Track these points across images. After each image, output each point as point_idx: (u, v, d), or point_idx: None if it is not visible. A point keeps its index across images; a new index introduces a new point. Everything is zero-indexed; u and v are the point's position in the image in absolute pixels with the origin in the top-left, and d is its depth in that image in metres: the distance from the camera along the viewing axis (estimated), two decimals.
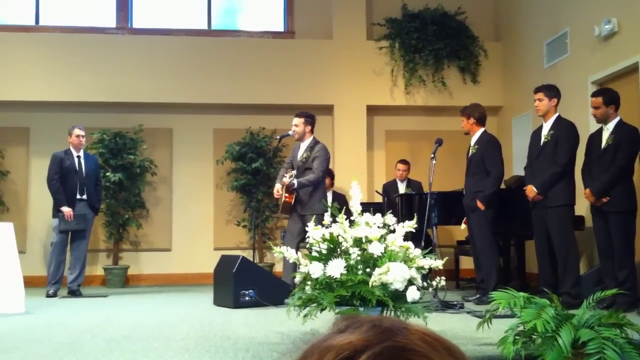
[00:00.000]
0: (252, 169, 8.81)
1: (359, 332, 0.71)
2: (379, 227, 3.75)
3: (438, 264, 3.72)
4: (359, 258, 3.65)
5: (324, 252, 3.76)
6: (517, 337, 2.92)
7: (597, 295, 3.11)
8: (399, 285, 3.53)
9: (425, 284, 3.70)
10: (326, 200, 6.49)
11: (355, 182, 3.98)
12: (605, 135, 5.64)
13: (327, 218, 3.91)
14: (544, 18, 8.32)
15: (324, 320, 3.45)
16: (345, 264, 3.61)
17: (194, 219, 9.23)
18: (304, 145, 6.59)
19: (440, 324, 4.50)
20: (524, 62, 8.92)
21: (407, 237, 3.86)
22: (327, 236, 3.78)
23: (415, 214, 4.15)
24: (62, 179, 7.35)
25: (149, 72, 9.00)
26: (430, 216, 6.10)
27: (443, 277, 3.80)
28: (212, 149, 9.33)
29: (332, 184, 8.44)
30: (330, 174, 8.05)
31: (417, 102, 9.40)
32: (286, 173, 6.47)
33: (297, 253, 4.00)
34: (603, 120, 5.68)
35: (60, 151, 7.50)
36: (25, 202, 9.00)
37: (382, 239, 3.72)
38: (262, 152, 8.91)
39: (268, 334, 4.32)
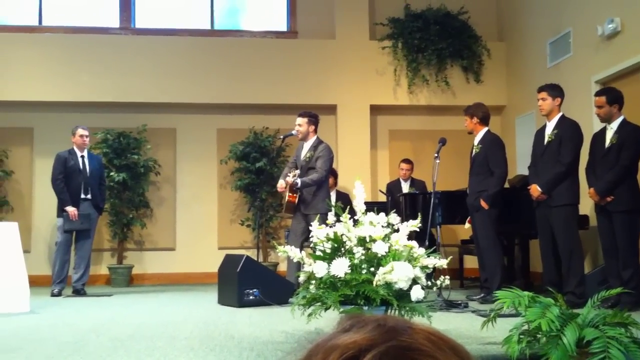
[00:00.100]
0: (255, 168, 8.81)
1: (364, 331, 0.71)
2: (383, 226, 3.75)
3: (442, 263, 3.72)
4: (363, 257, 3.65)
5: (328, 251, 3.76)
6: (521, 336, 2.92)
7: (602, 294, 3.11)
8: (403, 285, 3.53)
9: (429, 283, 3.70)
10: (330, 200, 6.50)
11: (359, 182, 3.98)
12: (609, 135, 5.63)
13: (330, 217, 3.92)
14: (547, 17, 8.31)
15: (328, 320, 3.45)
16: (349, 263, 3.61)
17: (198, 218, 9.25)
18: (307, 144, 6.59)
19: (444, 323, 4.50)
20: (527, 62, 8.91)
21: (411, 236, 3.86)
22: (331, 235, 3.78)
23: (419, 213, 4.15)
24: (67, 179, 7.37)
25: (153, 72, 9.01)
26: (434, 215, 6.09)
27: (447, 277, 3.80)
28: (216, 148, 9.34)
29: (335, 184, 8.44)
30: (333, 173, 8.05)
31: (421, 101, 9.40)
32: (290, 172, 6.47)
33: (301, 252, 4.00)
34: (607, 119, 5.67)
35: (64, 151, 7.52)
36: (30, 202, 9.03)
37: (386, 238, 3.72)
38: (265, 152, 8.91)
39: (272, 333, 4.33)
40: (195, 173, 9.32)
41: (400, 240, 3.72)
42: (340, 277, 3.58)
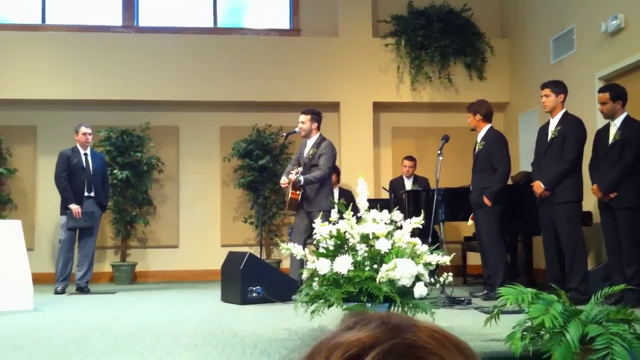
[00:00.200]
0: (258, 166, 8.82)
1: (367, 329, 0.71)
2: (386, 223, 3.75)
3: (445, 260, 3.72)
4: (366, 254, 3.65)
5: (331, 248, 3.76)
6: (525, 333, 2.92)
7: (605, 291, 3.11)
8: (406, 282, 3.53)
9: (432, 280, 3.70)
10: (333, 197, 6.50)
11: (362, 179, 3.98)
12: (613, 131, 5.62)
13: (333, 214, 3.92)
14: (550, 14, 8.29)
15: (331, 317, 3.46)
16: (352, 260, 3.61)
17: (201, 215, 9.26)
18: (310, 142, 6.59)
19: (447, 320, 4.50)
20: (530, 59, 8.89)
21: (414, 233, 3.86)
22: (334, 233, 3.78)
23: (422, 211, 4.15)
24: (70, 177, 7.38)
25: (156, 70, 9.02)
26: (437, 212, 6.08)
27: (450, 273, 3.80)
28: (219, 146, 9.35)
29: (338, 181, 8.44)
30: (336, 170, 8.05)
31: (424, 98, 9.39)
32: (292, 170, 6.47)
33: (304, 249, 4.00)
34: (610, 116, 5.66)
35: (68, 149, 7.53)
36: (33, 200, 9.05)
37: (389, 235, 3.72)
38: (268, 149, 8.92)
39: (275, 330, 4.33)
40: (198, 171, 9.33)
41: (403, 238, 3.72)
42: (343, 274, 3.58)
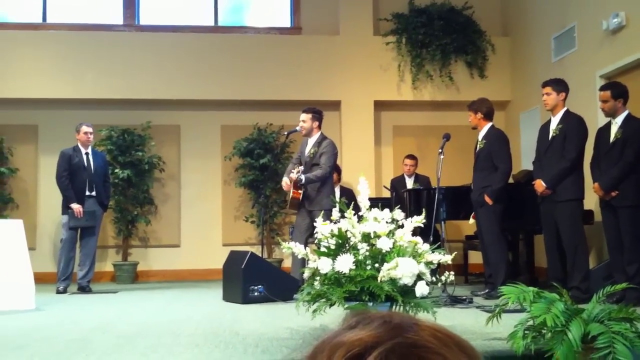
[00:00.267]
0: (259, 165, 8.82)
1: (369, 328, 0.71)
2: (387, 222, 3.75)
3: (447, 258, 3.72)
4: (367, 253, 3.65)
5: (333, 247, 3.76)
6: (526, 332, 2.92)
7: (607, 289, 3.10)
8: (407, 280, 3.52)
9: (434, 279, 3.70)
10: (334, 196, 6.50)
11: (363, 178, 3.98)
12: (614, 129, 5.62)
13: (335, 213, 3.91)
14: (552, 12, 8.28)
15: (333, 316, 3.46)
16: (354, 259, 3.61)
17: (203, 215, 9.26)
18: (311, 141, 6.59)
19: (449, 318, 4.50)
20: (531, 57, 8.88)
21: (416, 232, 3.86)
22: (336, 231, 3.78)
23: (423, 209, 4.15)
24: (71, 176, 7.38)
25: (157, 69, 9.02)
26: (438, 211, 6.08)
27: (452, 272, 3.80)
28: (220, 145, 9.35)
29: (339, 179, 8.44)
30: (337, 169, 8.05)
31: (425, 97, 9.38)
32: (293, 169, 6.47)
33: (305, 248, 4.00)
34: (611, 114, 5.65)
35: (69, 148, 7.53)
36: (35, 199, 9.05)
37: (390, 234, 3.72)
38: (269, 148, 8.92)
39: (277, 329, 4.33)
40: (200, 170, 9.33)
41: (404, 236, 3.72)
42: (344, 273, 3.58)
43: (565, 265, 5.77)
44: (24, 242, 6.00)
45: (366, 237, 3.70)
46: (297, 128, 6.65)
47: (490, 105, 6.56)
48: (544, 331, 2.88)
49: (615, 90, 5.63)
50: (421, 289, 3.58)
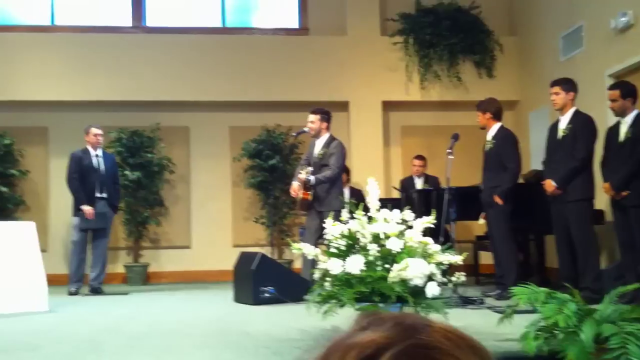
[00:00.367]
0: (268, 166, 8.83)
1: (382, 329, 0.71)
2: (397, 223, 3.75)
3: (457, 259, 3.72)
4: (377, 254, 3.65)
5: (343, 248, 3.77)
6: (538, 333, 2.91)
7: (619, 290, 3.09)
8: (418, 281, 3.53)
9: (444, 279, 3.70)
10: (343, 197, 6.50)
11: (372, 179, 3.98)
12: (624, 129, 5.59)
13: (344, 214, 3.92)
14: (559, 11, 8.25)
15: (343, 317, 3.46)
16: (364, 260, 3.61)
17: (213, 216, 9.28)
18: (320, 141, 6.59)
19: (460, 319, 4.49)
20: (539, 56, 8.85)
21: (425, 232, 3.86)
22: (346, 232, 3.79)
23: (432, 210, 4.14)
24: (81, 178, 7.41)
25: (165, 71, 9.05)
26: (448, 212, 6.06)
27: (462, 273, 3.79)
28: (229, 146, 9.37)
29: (348, 180, 8.44)
30: (346, 170, 8.05)
31: (433, 97, 9.37)
32: (302, 170, 6.46)
33: (315, 249, 4.01)
34: (621, 113, 5.63)
35: (79, 150, 7.57)
36: (46, 201, 9.10)
37: (400, 234, 3.72)
38: (278, 149, 8.92)
39: (288, 330, 4.34)
40: (209, 171, 9.35)
41: (414, 237, 3.72)
42: (355, 274, 3.59)
43: (577, 265, 5.74)
44: (37, 245, 6.03)
45: (376, 238, 3.70)
46: (306, 129, 6.65)
47: (499, 105, 6.54)
48: (555, 332, 2.87)
49: (624, 89, 5.60)
50: (432, 290, 3.58)
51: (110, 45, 9.04)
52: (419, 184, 8.51)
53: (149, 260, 9.06)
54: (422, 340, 0.69)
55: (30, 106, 9.01)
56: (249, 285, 6.03)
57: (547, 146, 6.10)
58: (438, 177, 8.47)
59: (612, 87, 5.75)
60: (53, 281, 7.37)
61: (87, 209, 7.28)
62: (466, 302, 5.50)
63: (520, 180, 6.78)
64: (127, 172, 8.59)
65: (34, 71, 8.85)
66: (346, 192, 8.06)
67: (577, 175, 5.71)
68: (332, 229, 3.84)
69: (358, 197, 7.37)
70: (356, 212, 3.77)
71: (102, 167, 7.55)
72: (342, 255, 3.72)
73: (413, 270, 3.50)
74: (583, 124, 5.79)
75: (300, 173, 6.39)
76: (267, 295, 5.95)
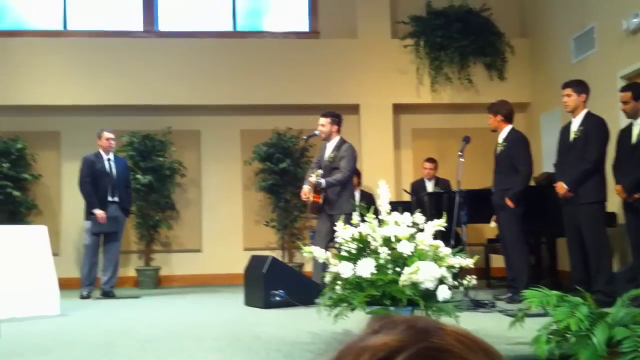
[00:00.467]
0: (279, 169, 8.84)
1: (394, 332, 0.71)
2: (407, 226, 3.75)
3: (468, 262, 3.70)
4: (388, 257, 3.65)
5: (354, 251, 3.76)
6: (550, 336, 2.90)
7: (631, 292, 3.07)
8: (429, 285, 3.52)
9: (455, 283, 3.69)
10: (354, 200, 6.50)
11: (383, 182, 3.98)
12: (636, 131, 5.56)
13: (355, 217, 3.92)
14: (571, 13, 8.22)
15: (354, 320, 3.46)
16: (375, 263, 3.61)
17: (223, 219, 9.30)
18: (330, 145, 6.59)
19: (471, 323, 4.47)
20: (551, 58, 8.82)
21: (436, 236, 3.85)
22: (356, 236, 3.78)
23: (443, 213, 4.13)
24: (94, 182, 7.45)
25: (176, 75, 9.08)
26: (459, 214, 6.04)
27: (474, 276, 3.78)
28: (240, 150, 9.39)
29: (359, 183, 8.44)
30: (357, 173, 8.04)
31: (444, 99, 9.35)
32: (312, 173, 6.46)
33: (326, 253, 4.01)
34: (633, 115, 5.59)
35: (91, 154, 7.61)
36: (58, 205, 9.15)
37: (411, 238, 3.71)
38: (289, 153, 8.93)
39: (299, 333, 4.34)
40: (220, 174, 9.37)
41: (425, 240, 3.71)
42: (366, 278, 3.58)
43: (589, 268, 5.71)
44: (49, 248, 6.07)
45: (387, 241, 3.70)
46: (316, 132, 6.66)
47: (510, 107, 6.52)
48: (568, 335, 2.86)
49: (637, 91, 5.57)
50: (443, 293, 3.57)
51: (122, 50, 9.09)
52: (429, 186, 8.49)
53: (160, 263, 9.09)
54: (434, 343, 0.69)
55: (42, 110, 9.07)
56: (259, 288, 6.04)
57: (558, 148, 6.07)
58: (449, 180, 8.45)
59: (624, 89, 5.72)
60: (65, 285, 7.41)
61: (99, 212, 7.32)
62: (477, 305, 5.48)
63: (532, 183, 6.75)
64: (138, 176, 8.62)
65: (47, 76, 8.92)
66: (357, 195, 8.05)
67: (588, 178, 5.67)
68: (343, 232, 3.84)
69: (369, 200, 7.37)
70: (367, 215, 3.77)
71: (114, 171, 7.58)
72: (353, 258, 3.72)
73: (424, 274, 3.49)
74: (595, 126, 5.76)
75: (311, 176, 6.39)
76: (277, 298, 5.96)
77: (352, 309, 3.62)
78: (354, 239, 3.78)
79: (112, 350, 3.90)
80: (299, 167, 8.82)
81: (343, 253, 3.80)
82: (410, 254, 3.64)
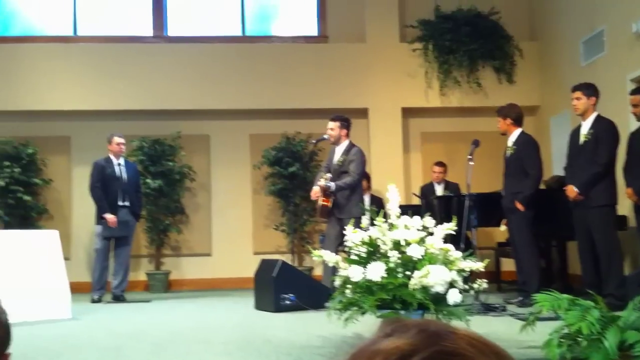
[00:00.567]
0: (288, 173, 8.85)
1: (406, 336, 0.71)
2: (417, 229, 3.75)
3: (479, 266, 3.70)
4: (398, 261, 3.65)
5: (363, 255, 3.76)
6: (561, 340, 2.89)
7: None
8: (439, 288, 3.51)
9: (466, 286, 3.68)
10: (363, 203, 6.50)
11: (392, 185, 3.98)
12: None
13: (365, 221, 3.92)
14: (580, 16, 8.19)
15: (365, 324, 3.46)
16: (385, 267, 3.61)
17: (233, 223, 9.31)
18: (339, 148, 6.60)
19: (482, 327, 4.46)
20: (560, 61, 8.79)
21: (446, 239, 3.84)
22: (366, 239, 3.79)
23: (453, 216, 4.13)
24: (104, 186, 7.48)
25: (185, 80, 9.12)
26: (468, 218, 6.03)
27: (484, 280, 3.77)
28: (249, 154, 9.41)
29: (369, 187, 8.43)
30: (366, 176, 8.04)
31: (452, 103, 9.34)
32: (321, 177, 6.46)
33: (336, 256, 4.01)
34: None
35: (101, 159, 7.65)
36: (69, 210, 9.20)
37: (421, 241, 3.71)
38: (298, 157, 8.94)
39: (309, 337, 4.34)
40: (229, 179, 9.40)
41: (435, 244, 3.71)
42: (376, 281, 3.58)
43: (600, 271, 5.68)
44: (60, 253, 6.10)
45: (397, 245, 3.70)
46: (325, 136, 6.67)
47: (519, 111, 6.51)
48: (579, 339, 2.84)
49: None
50: (453, 297, 3.56)
51: (131, 55, 9.14)
52: (439, 190, 8.47)
53: (171, 267, 9.11)
54: (446, 347, 0.69)
55: (53, 116, 9.13)
56: (269, 292, 6.04)
57: (568, 152, 6.05)
58: (458, 184, 8.43)
59: (633, 92, 5.70)
60: (76, 289, 7.45)
61: (109, 217, 7.35)
62: (488, 309, 5.46)
63: (542, 186, 6.72)
64: (148, 181, 8.66)
65: (57, 81, 8.98)
66: (366, 199, 8.05)
67: (599, 181, 5.65)
68: (353, 236, 3.84)
69: (378, 204, 7.36)
70: (376, 219, 3.77)
71: (125, 175, 7.62)
72: (363, 262, 3.72)
73: (434, 277, 3.49)
74: (605, 129, 5.74)
75: (320, 180, 6.39)
76: (287, 302, 5.97)
77: (363, 313, 3.62)
78: (363, 243, 3.78)
79: (123, 353, 3.91)
80: (308, 171, 8.83)
81: (353, 257, 3.80)
82: (420, 257, 3.63)
